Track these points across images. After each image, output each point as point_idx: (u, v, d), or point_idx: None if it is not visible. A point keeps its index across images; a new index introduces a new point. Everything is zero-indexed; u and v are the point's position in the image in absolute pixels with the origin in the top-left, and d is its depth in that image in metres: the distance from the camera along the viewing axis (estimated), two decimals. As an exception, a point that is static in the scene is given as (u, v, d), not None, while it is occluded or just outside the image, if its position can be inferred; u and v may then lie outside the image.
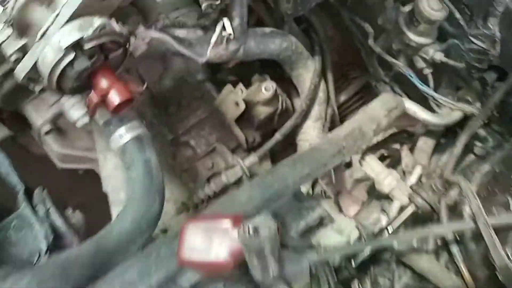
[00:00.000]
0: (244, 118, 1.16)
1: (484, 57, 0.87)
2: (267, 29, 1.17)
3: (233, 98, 1.12)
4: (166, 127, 1.22)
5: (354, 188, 1.20)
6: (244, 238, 0.60)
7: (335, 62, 1.35)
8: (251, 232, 0.59)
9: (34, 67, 0.71)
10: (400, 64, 1.08)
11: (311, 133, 1.26)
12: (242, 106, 1.09)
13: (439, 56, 1.01)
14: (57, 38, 0.66)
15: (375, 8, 1.09)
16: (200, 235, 0.64)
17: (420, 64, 1.07)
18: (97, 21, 0.66)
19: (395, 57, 1.09)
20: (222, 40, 1.03)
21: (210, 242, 0.63)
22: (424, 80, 1.05)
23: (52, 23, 0.68)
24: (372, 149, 1.15)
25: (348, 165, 1.19)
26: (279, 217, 0.66)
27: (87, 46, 0.66)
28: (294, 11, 1.09)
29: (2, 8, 0.71)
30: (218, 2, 0.95)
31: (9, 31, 0.72)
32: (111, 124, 0.84)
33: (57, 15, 0.68)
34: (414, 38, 1.01)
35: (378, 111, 0.96)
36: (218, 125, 1.21)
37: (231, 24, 1.03)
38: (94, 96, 0.68)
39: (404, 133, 1.19)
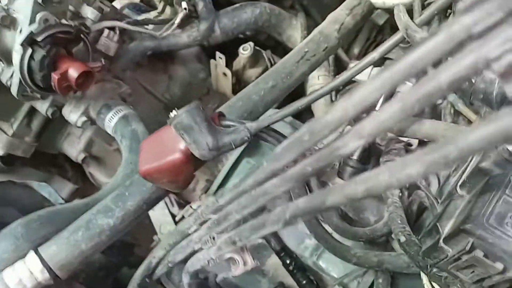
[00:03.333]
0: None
1: None
2: (236, 4, 1.24)
3: (220, 70, 1.18)
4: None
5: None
6: (171, 121, 0.62)
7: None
8: (175, 113, 0.62)
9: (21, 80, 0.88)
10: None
11: (316, 82, 1.24)
12: (228, 72, 1.14)
13: None
14: (18, 42, 0.82)
15: None
16: (153, 147, 0.68)
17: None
18: (39, 15, 0.81)
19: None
20: (190, 22, 1.13)
21: (161, 149, 0.67)
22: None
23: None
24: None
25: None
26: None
27: (39, 38, 0.81)
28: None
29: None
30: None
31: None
32: (102, 113, 0.96)
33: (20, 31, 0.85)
34: None
35: (339, 12, 0.94)
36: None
37: (195, 8, 1.14)
38: (56, 75, 0.81)
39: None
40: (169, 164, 0.64)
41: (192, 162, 0.65)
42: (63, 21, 0.86)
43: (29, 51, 0.81)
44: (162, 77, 1.37)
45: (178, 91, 1.37)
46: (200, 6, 1.14)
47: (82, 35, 0.88)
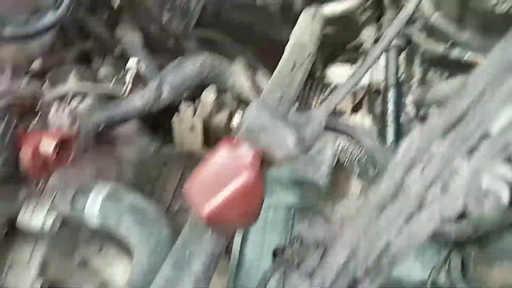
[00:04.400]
0: (213, 137, 1.09)
1: None
2: (177, 59, 1.18)
3: (186, 125, 1.06)
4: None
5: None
6: (239, 127, 0.50)
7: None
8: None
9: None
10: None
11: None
12: (198, 123, 1.03)
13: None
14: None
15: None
16: (206, 182, 0.54)
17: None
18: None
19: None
20: (136, 86, 1.02)
21: (221, 176, 0.52)
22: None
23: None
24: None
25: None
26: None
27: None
28: (183, 29, 1.12)
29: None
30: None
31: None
32: (78, 201, 0.76)
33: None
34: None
35: (301, 25, 0.94)
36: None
37: (138, 71, 1.04)
38: (25, 151, 0.61)
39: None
40: (240, 186, 0.50)
41: (263, 177, 0.52)
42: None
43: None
44: (111, 163, 1.18)
45: (132, 173, 1.20)
46: (143, 67, 1.05)
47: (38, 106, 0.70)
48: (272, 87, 0.78)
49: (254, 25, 1.24)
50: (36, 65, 1.20)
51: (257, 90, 1.24)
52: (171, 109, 1.19)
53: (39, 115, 0.70)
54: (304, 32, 0.91)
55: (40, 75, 1.34)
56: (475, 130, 0.38)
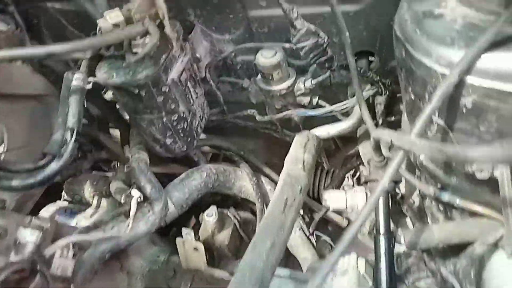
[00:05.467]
0: (216, 255, 1.11)
1: (321, 51, 0.94)
2: (182, 174, 1.22)
3: (189, 247, 1.08)
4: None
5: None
6: None
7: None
8: None
9: None
10: (293, 113, 1.12)
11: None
12: (200, 246, 1.05)
13: (310, 84, 1.07)
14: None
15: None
16: None
17: (305, 99, 1.12)
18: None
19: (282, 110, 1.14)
20: (140, 208, 1.06)
21: None
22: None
23: None
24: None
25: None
26: None
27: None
28: (187, 148, 1.17)
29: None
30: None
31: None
32: None
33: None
34: (279, 87, 1.08)
35: (296, 152, 0.97)
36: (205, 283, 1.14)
37: (143, 193, 1.08)
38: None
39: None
40: None
41: None
42: (12, 257, 0.73)
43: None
44: (121, 277, 1.21)
45: (141, 285, 1.22)
46: (148, 188, 1.09)
47: (37, 268, 0.74)
48: (263, 232, 0.79)
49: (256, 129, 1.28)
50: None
51: (262, 193, 1.26)
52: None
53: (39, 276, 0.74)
54: (297, 160, 0.94)
55: (57, 186, 1.42)
56: None
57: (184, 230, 1.11)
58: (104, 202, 1.37)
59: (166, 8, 0.87)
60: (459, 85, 0.58)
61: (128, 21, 0.90)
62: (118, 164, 1.42)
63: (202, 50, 1.17)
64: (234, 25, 1.13)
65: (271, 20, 1.06)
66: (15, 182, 0.85)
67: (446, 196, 0.74)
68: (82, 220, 1.32)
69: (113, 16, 0.90)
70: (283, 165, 0.96)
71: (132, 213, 1.00)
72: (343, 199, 0.93)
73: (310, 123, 1.12)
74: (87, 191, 1.39)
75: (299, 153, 0.96)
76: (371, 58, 1.05)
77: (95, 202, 1.37)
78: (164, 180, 1.21)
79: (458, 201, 0.72)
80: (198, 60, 1.16)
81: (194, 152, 1.31)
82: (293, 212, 0.84)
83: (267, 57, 1.03)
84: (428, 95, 0.64)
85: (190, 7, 1.13)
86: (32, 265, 0.73)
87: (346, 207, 0.93)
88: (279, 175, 0.97)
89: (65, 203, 1.45)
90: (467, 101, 0.59)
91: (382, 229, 0.79)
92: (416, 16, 0.67)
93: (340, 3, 0.94)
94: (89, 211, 1.36)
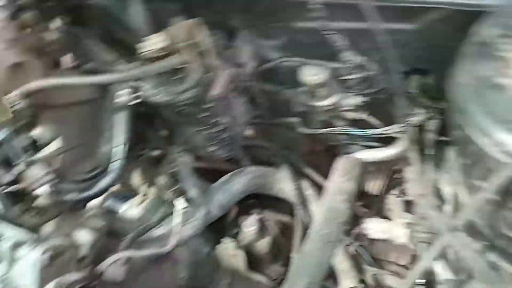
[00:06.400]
0: (255, 261, 1.16)
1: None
2: (224, 177, 1.25)
3: (230, 253, 1.14)
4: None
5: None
6: None
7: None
8: None
9: None
10: (337, 131, 1.10)
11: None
12: (240, 254, 1.10)
13: (357, 101, 1.03)
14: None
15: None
16: None
17: (352, 115, 1.09)
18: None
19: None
20: (189, 216, 1.11)
21: None
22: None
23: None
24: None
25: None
26: None
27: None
28: (229, 153, 1.19)
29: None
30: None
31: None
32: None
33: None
34: (323, 103, 1.05)
35: (339, 181, 0.96)
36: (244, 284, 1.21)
37: (187, 197, 1.13)
38: None
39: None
40: None
41: None
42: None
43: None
44: (166, 265, 1.30)
45: (185, 275, 1.31)
46: (192, 192, 1.13)
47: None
48: (298, 270, 0.81)
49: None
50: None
51: (302, 197, 1.28)
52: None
53: None
54: (340, 191, 0.93)
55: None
56: None
57: (225, 240, 1.16)
58: (152, 190, 1.44)
59: (208, 42, 0.85)
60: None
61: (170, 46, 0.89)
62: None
63: (245, 56, 1.14)
64: (279, 33, 1.09)
65: (316, 33, 1.01)
66: (69, 198, 0.91)
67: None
68: (131, 208, 1.40)
69: (158, 41, 0.90)
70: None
71: (176, 225, 1.05)
72: (386, 231, 0.92)
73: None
74: (136, 179, 1.45)
75: (343, 182, 0.95)
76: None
77: (143, 189, 1.44)
78: (207, 175, 1.25)
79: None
80: (241, 66, 1.14)
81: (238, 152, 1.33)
82: (331, 250, 0.85)
83: (312, 75, 1.00)
84: (480, 172, 0.61)
85: (234, 12, 1.09)
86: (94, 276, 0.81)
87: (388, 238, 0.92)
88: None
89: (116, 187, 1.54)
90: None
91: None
92: (473, 81, 0.62)
93: (395, 21, 0.88)
94: (138, 198, 1.44)
